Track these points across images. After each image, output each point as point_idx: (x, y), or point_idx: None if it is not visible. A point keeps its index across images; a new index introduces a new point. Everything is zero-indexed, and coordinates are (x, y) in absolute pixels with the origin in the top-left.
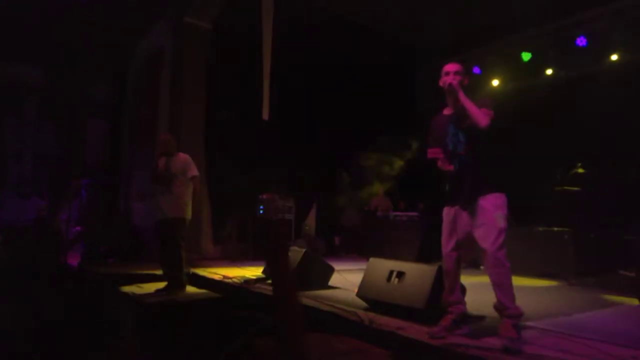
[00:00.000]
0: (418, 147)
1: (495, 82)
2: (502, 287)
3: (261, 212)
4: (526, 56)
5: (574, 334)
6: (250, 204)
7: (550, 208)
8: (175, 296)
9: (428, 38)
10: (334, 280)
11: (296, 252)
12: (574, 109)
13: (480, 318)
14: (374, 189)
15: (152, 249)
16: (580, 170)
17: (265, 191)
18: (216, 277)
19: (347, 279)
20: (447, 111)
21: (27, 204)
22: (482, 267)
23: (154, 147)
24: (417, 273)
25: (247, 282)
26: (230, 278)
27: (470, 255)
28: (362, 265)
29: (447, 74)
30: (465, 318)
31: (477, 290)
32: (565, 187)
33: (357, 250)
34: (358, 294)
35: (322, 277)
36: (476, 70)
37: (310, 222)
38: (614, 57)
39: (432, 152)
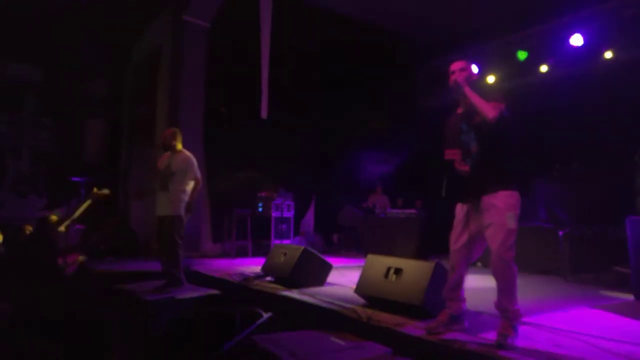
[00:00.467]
0: (417, 143)
1: (491, 79)
2: (506, 289)
3: (260, 209)
4: (522, 55)
5: (570, 329)
6: (249, 201)
7: (546, 204)
8: (174, 294)
9: (426, 35)
10: (332, 277)
11: (295, 249)
12: (569, 106)
13: (478, 314)
14: None
15: (150, 247)
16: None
17: (264, 189)
18: (215, 274)
19: (345, 275)
20: (459, 110)
21: (25, 202)
22: (478, 264)
23: (153, 145)
24: (415, 269)
25: (246, 279)
26: (229, 275)
27: (478, 254)
28: (360, 262)
29: (453, 72)
30: (463, 314)
31: (475, 287)
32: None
33: (355, 247)
34: (356, 291)
35: (320, 274)
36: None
37: (309, 219)
38: (608, 55)
39: (450, 154)
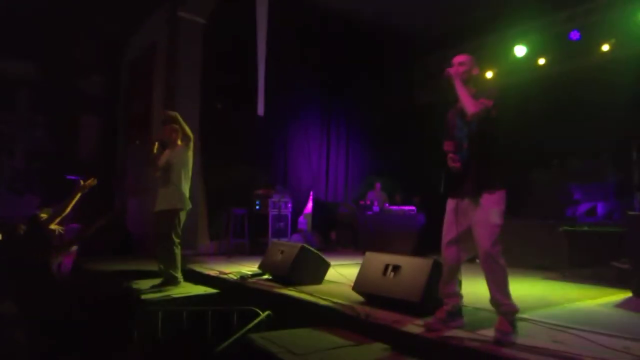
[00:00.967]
0: (415, 139)
1: (489, 74)
2: (496, 284)
3: (257, 207)
4: (521, 50)
5: (568, 325)
6: (246, 199)
7: (544, 201)
8: (170, 292)
9: (423, 31)
10: (330, 274)
11: (292, 247)
12: (568, 101)
13: (476, 311)
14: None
15: (147, 245)
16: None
17: (261, 186)
18: (212, 272)
19: (343, 273)
20: (459, 104)
21: (20, 201)
22: (477, 261)
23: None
24: (413, 267)
25: (243, 277)
26: (227, 273)
27: (471, 250)
28: (358, 260)
29: (452, 65)
30: (461, 310)
31: (474, 284)
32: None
33: (353, 244)
34: (354, 288)
35: (318, 272)
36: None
37: (306, 216)
38: (606, 50)
39: (447, 145)
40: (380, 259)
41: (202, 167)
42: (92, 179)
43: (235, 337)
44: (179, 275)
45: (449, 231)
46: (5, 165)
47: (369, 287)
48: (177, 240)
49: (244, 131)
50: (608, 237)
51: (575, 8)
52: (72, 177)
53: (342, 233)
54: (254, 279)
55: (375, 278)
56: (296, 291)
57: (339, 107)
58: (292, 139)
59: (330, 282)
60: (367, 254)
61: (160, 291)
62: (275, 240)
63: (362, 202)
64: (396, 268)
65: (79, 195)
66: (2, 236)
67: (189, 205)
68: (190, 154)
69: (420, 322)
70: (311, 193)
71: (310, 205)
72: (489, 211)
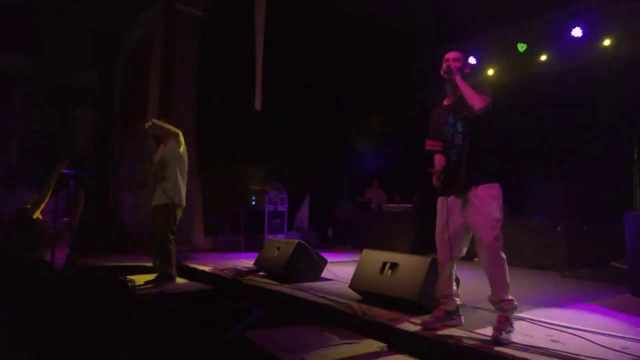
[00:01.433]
0: (413, 136)
1: (490, 72)
2: (497, 279)
3: (253, 203)
4: (522, 47)
5: (566, 325)
6: (242, 194)
7: (543, 199)
8: (165, 288)
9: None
10: (327, 272)
11: (288, 244)
12: (568, 99)
13: (474, 310)
14: None
15: (142, 241)
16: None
17: (257, 182)
18: (207, 269)
19: (340, 270)
20: (446, 101)
21: (14, 195)
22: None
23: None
24: (411, 264)
25: (239, 273)
26: (222, 270)
27: (465, 247)
28: (356, 257)
29: (446, 60)
30: (458, 309)
31: (471, 282)
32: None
33: (351, 242)
34: (351, 286)
35: (315, 269)
36: (472, 60)
37: (303, 213)
38: (608, 47)
39: (431, 144)
40: (377, 257)
41: (197, 162)
42: (66, 159)
43: (230, 334)
44: (174, 271)
45: (443, 230)
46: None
47: (366, 284)
48: (172, 236)
49: (241, 125)
50: (607, 236)
51: (578, 4)
52: (67, 172)
53: (339, 230)
54: (249, 276)
55: (372, 276)
56: (292, 288)
57: (337, 104)
58: (289, 133)
59: (327, 279)
60: (365, 251)
61: (154, 287)
62: (271, 236)
63: (360, 200)
64: (394, 266)
65: (55, 175)
66: None
67: (184, 202)
68: (183, 149)
69: (417, 320)
70: (308, 189)
71: (307, 201)
72: (489, 205)
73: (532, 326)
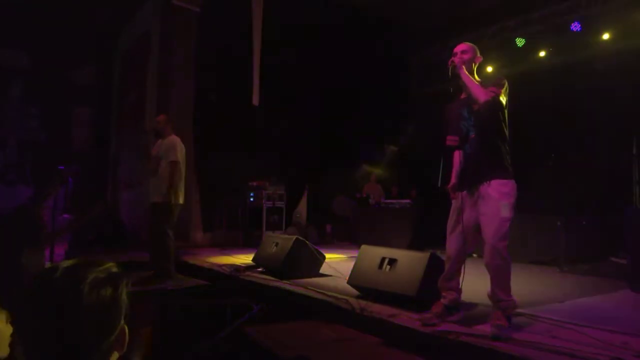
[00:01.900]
0: (413, 133)
1: (489, 69)
2: (499, 280)
3: (251, 199)
4: (520, 42)
5: (565, 320)
6: (240, 190)
7: (542, 194)
8: (162, 284)
9: (421, 23)
10: (325, 267)
11: (286, 240)
12: (567, 94)
13: (473, 305)
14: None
15: (140, 237)
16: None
17: (255, 178)
18: (205, 265)
19: (338, 266)
20: (463, 95)
21: (12, 192)
22: (474, 255)
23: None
24: (409, 260)
25: (237, 270)
26: (220, 266)
27: (476, 243)
28: (354, 253)
29: (455, 54)
30: (459, 305)
31: (470, 277)
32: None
33: (349, 238)
34: (349, 282)
35: (313, 265)
36: None
37: (302, 209)
38: (607, 42)
39: (450, 140)
40: (376, 253)
41: (195, 159)
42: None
43: (228, 330)
44: (172, 267)
45: (454, 225)
46: None
47: (365, 280)
48: (170, 232)
49: (239, 121)
50: (606, 232)
51: None
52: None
53: (337, 226)
54: (247, 272)
55: (371, 271)
56: (290, 284)
57: (335, 99)
58: (287, 129)
59: (325, 275)
60: (363, 247)
61: (152, 283)
62: (269, 232)
63: (358, 195)
64: (392, 261)
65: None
66: None
67: (180, 199)
68: (181, 146)
69: (416, 316)
70: (306, 185)
71: (305, 197)
72: (499, 204)
73: (532, 321)
